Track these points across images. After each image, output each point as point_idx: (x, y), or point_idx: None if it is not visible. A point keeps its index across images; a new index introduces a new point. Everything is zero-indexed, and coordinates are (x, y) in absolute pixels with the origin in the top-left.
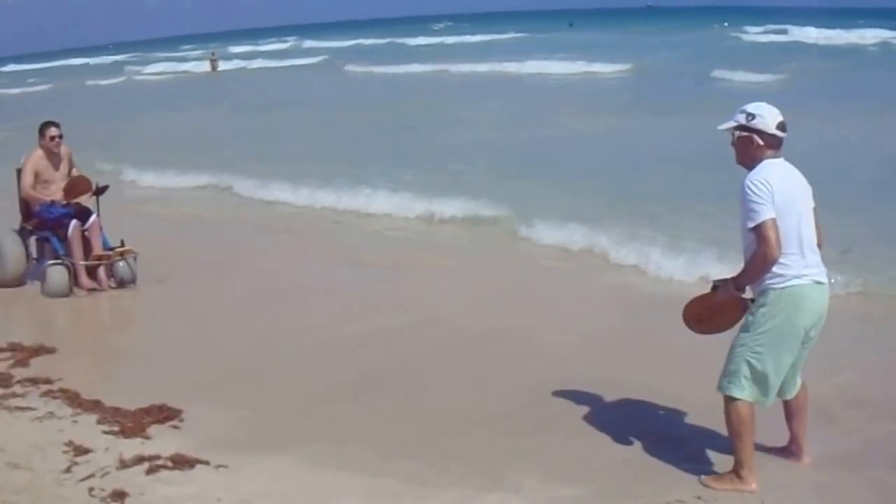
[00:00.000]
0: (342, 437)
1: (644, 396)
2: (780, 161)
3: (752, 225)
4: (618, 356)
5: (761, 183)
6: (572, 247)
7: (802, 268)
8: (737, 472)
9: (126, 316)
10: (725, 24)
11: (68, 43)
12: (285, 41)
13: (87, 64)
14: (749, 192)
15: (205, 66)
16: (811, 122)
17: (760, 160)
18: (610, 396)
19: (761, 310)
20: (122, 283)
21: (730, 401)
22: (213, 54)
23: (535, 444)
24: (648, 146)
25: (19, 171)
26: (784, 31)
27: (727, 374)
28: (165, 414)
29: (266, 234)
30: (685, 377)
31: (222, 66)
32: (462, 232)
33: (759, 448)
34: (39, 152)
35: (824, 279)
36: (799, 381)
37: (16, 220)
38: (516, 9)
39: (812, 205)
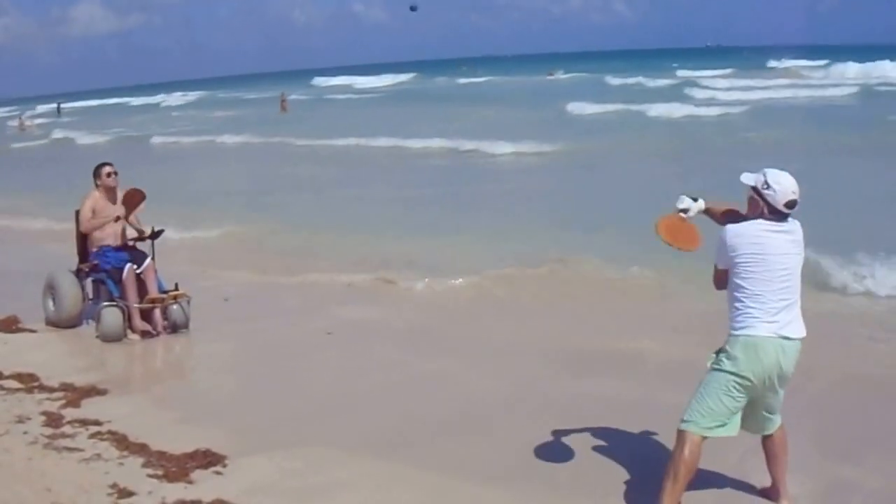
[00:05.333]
0: (387, 488)
1: None
2: (769, 224)
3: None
4: None
5: (726, 238)
6: None
7: (764, 319)
8: None
9: (177, 361)
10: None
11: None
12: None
13: None
14: (719, 239)
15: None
16: None
17: (755, 219)
18: None
19: (721, 354)
20: (175, 328)
21: (679, 434)
22: (282, 94)
23: None
24: None
25: (77, 213)
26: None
27: (685, 411)
28: (209, 459)
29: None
30: None
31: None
32: None
33: (741, 486)
34: (97, 192)
35: (792, 334)
36: (775, 422)
37: (73, 261)
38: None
39: (799, 266)
